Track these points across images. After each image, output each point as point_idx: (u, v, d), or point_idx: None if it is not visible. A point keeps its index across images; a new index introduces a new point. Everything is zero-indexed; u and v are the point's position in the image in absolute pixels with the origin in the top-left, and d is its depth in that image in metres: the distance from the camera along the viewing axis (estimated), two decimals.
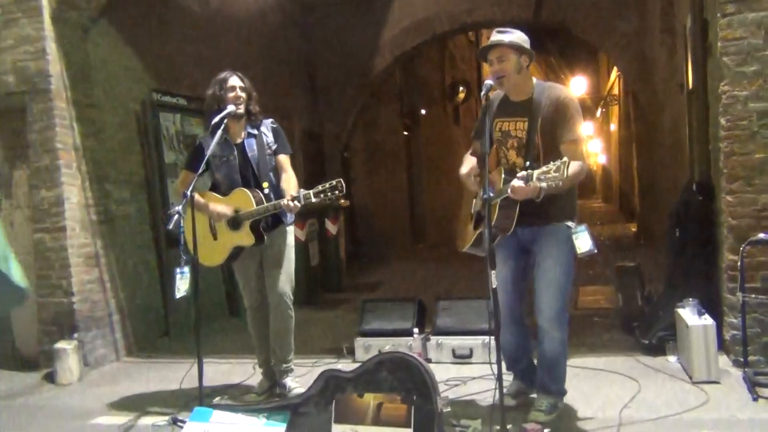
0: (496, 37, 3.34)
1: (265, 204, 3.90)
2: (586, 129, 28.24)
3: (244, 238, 3.97)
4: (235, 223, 3.98)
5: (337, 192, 3.60)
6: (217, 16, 7.52)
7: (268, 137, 4.11)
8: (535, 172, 2.98)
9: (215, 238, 4.07)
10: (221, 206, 4.00)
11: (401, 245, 12.42)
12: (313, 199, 3.68)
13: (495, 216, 3.21)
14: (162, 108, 6.39)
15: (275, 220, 4.06)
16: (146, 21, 6.35)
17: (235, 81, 4.02)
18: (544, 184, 2.97)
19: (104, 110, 5.71)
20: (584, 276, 8.00)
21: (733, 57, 4.09)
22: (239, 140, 4.09)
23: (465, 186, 3.65)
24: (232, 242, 4.02)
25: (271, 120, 4.18)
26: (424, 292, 7.01)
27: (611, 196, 23.29)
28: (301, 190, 3.76)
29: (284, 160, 4.12)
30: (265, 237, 4.01)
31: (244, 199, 3.94)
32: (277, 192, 4.02)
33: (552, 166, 2.92)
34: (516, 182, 3.06)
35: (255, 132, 4.09)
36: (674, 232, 4.98)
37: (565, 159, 2.92)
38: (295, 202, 3.70)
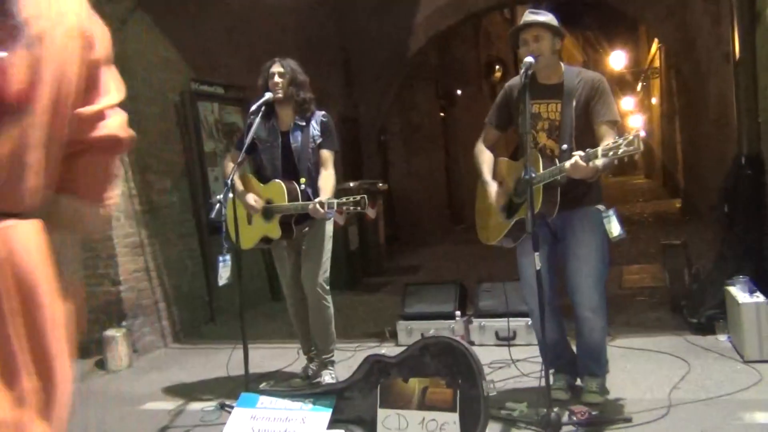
0: (530, 17, 3.28)
1: (296, 202, 3.91)
2: (625, 104, 27.62)
3: (273, 230, 3.99)
4: (267, 213, 4.01)
5: (359, 208, 3.63)
6: (252, 3, 7.52)
7: (316, 130, 4.07)
8: (600, 149, 2.87)
9: (249, 223, 4.12)
10: (254, 198, 4.02)
11: (440, 227, 12.38)
12: (335, 208, 3.72)
13: (539, 201, 3.14)
14: (200, 97, 6.45)
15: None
16: (182, 10, 6.39)
17: (275, 68, 4.01)
18: (600, 161, 2.87)
19: (144, 101, 5.78)
20: (629, 254, 7.87)
21: None
22: (286, 129, 4.09)
23: (482, 182, 3.56)
24: (261, 231, 4.06)
25: (323, 113, 4.13)
26: (464, 274, 6.97)
27: (654, 171, 22.81)
28: (324, 199, 3.76)
29: (327, 155, 4.07)
30: (296, 230, 4.02)
31: (279, 192, 3.95)
32: (315, 187, 4.01)
33: (622, 140, 2.79)
34: (577, 159, 2.91)
35: (303, 123, 4.06)
36: (723, 208, 4.85)
37: (636, 131, 2.80)
38: (320, 209, 3.71)
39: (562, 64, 3.39)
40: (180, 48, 6.30)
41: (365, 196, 3.67)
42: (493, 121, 3.61)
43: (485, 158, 3.58)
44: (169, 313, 5.81)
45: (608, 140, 3.08)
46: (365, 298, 7.11)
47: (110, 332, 5.16)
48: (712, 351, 4.15)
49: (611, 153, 2.82)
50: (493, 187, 3.47)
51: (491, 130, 3.62)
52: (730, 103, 6.27)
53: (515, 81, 3.45)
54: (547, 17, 3.28)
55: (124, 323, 5.28)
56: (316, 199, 3.78)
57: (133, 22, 5.69)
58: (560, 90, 3.31)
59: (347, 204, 3.66)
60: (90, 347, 5.41)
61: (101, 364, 5.18)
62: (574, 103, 3.27)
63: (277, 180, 4.00)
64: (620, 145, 2.79)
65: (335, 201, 3.71)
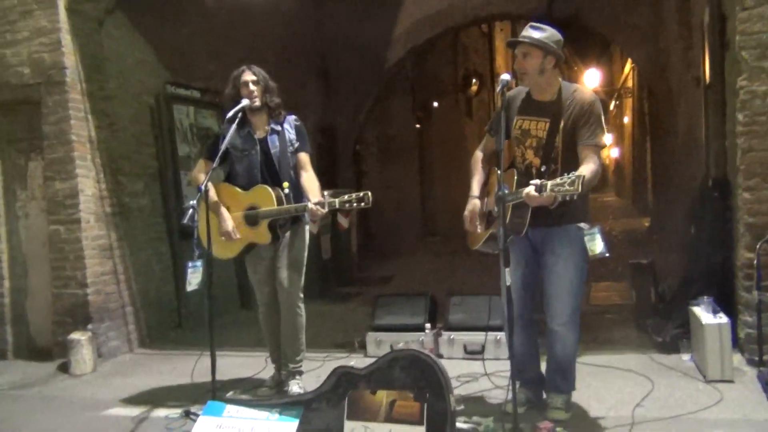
0: (526, 32, 3.27)
1: (287, 205, 3.89)
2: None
3: (261, 236, 3.97)
4: (252, 219, 3.97)
5: (363, 204, 3.58)
6: (231, 8, 7.50)
7: (291, 134, 4.08)
8: (549, 183, 2.91)
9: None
10: (228, 224, 3.96)
11: (413, 238, 12.41)
12: (338, 206, 3.66)
13: (508, 216, 3.17)
14: (176, 100, 6.41)
15: (294, 219, 4.04)
16: (160, 13, 6.35)
17: (247, 76, 4.00)
18: (548, 191, 2.93)
19: (118, 103, 5.73)
20: (597, 272, 7.96)
21: (752, 51, 4.04)
22: (262, 135, 4.07)
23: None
24: (247, 238, 4.02)
25: (294, 117, 4.14)
26: (435, 286, 7.00)
27: (624, 190, 23.15)
28: (326, 195, 3.73)
29: (305, 158, 4.09)
30: (281, 235, 4.01)
31: (266, 197, 3.92)
32: (297, 191, 4.00)
33: (567, 179, 2.85)
34: (529, 190, 2.99)
35: (278, 128, 4.06)
36: (689, 229, 4.95)
37: (580, 173, 2.86)
38: (320, 207, 3.68)
39: (559, 80, 3.37)
40: (157, 50, 6.26)
41: (368, 192, 3.60)
42: (489, 128, 3.66)
43: (476, 171, 3.62)
44: (136, 318, 5.73)
45: (583, 166, 3.13)
46: (336, 308, 7.09)
47: (75, 335, 5.08)
48: (675, 370, 4.22)
49: (557, 188, 2.88)
50: (473, 202, 3.52)
51: (489, 139, 3.64)
52: (699, 126, 6.42)
53: (514, 92, 3.49)
54: (544, 33, 3.26)
55: (89, 327, 5.20)
56: (315, 199, 3.73)
57: (110, 23, 5.65)
58: (551, 109, 3.33)
59: (351, 201, 3.61)
60: (53, 350, 5.33)
61: (64, 368, 5.09)
62: (562, 124, 3.28)
63: (261, 185, 3.97)
64: (564, 183, 2.85)
65: (336, 200, 3.67)
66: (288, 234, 4.04)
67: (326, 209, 3.69)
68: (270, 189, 3.93)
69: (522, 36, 3.27)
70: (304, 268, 4.13)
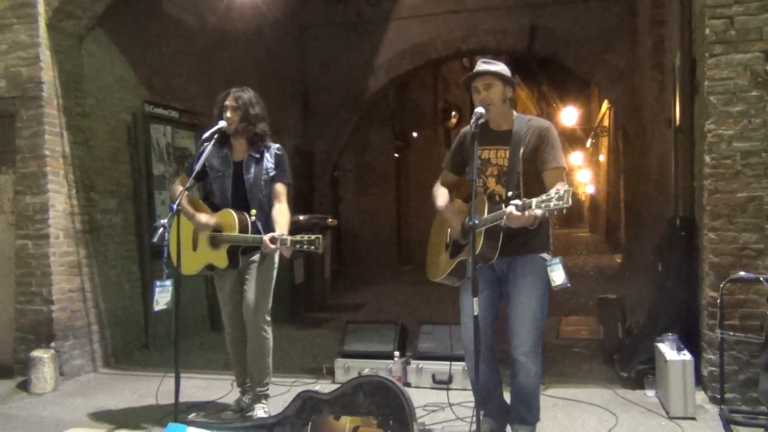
0: (482, 66, 3.38)
1: (246, 235, 3.88)
2: (575, 159, 28.36)
3: (219, 259, 3.95)
4: (215, 241, 3.97)
5: (313, 248, 3.59)
6: (214, 31, 7.58)
7: (270, 163, 4.07)
8: (534, 200, 2.96)
9: (194, 249, 4.06)
10: (206, 217, 3.97)
11: (387, 266, 12.41)
12: (289, 245, 3.68)
13: (479, 244, 3.20)
14: (153, 120, 6.41)
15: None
16: (142, 33, 6.39)
17: (228, 101, 4.02)
18: (539, 212, 2.98)
19: (95, 119, 5.71)
20: (567, 306, 8.03)
21: (720, 96, 4.15)
22: (239, 159, 4.08)
23: (439, 217, 3.64)
24: (206, 259, 4.01)
25: (278, 146, 4.14)
26: (408, 314, 7.01)
27: (598, 226, 23.42)
28: (283, 234, 3.74)
29: (281, 189, 4.08)
30: (242, 260, 3.98)
31: (230, 221, 3.92)
32: (267, 220, 3.99)
33: (553, 194, 2.90)
34: (512, 209, 3.02)
35: (257, 155, 4.06)
36: (657, 266, 5.02)
37: (568, 187, 2.92)
38: (273, 245, 3.70)
39: (513, 112, 3.49)
40: (137, 69, 6.27)
41: (320, 236, 3.63)
42: (448, 165, 3.72)
43: (441, 193, 3.66)
44: (102, 337, 5.65)
45: (553, 187, 3.19)
46: (306, 333, 7.05)
47: (37, 353, 4.98)
48: (639, 405, 4.25)
49: (543, 205, 2.92)
50: (448, 209, 3.52)
51: (447, 174, 3.72)
52: (669, 166, 6.56)
53: (469, 128, 3.55)
54: (498, 66, 3.39)
55: (52, 344, 5.11)
56: (270, 234, 3.75)
57: (91, 40, 5.65)
58: (509, 137, 3.41)
59: (302, 242, 3.63)
60: (14, 368, 5.22)
61: (24, 386, 4.99)
62: (521, 150, 3.36)
63: (228, 209, 3.97)
64: (552, 198, 2.90)
65: (289, 238, 3.69)
66: (254, 259, 4.03)
67: (278, 245, 3.70)
68: (235, 214, 3.93)
69: (481, 69, 3.36)
70: (272, 292, 4.11)
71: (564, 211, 2.92)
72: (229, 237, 3.90)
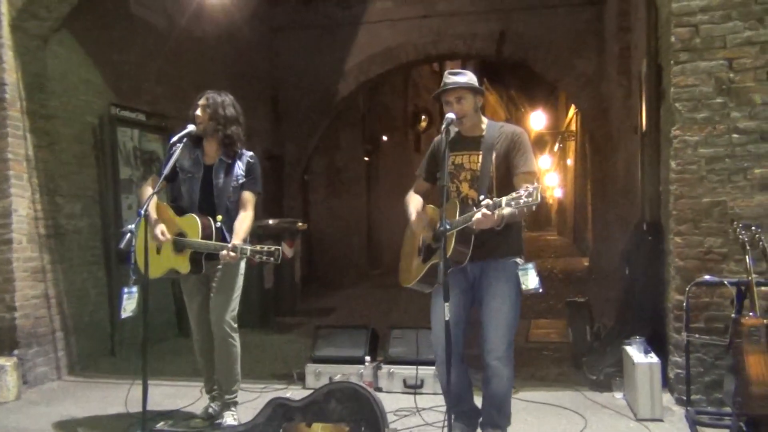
0: (451, 78, 3.41)
1: (208, 242, 3.83)
2: (543, 162, 28.67)
3: (182, 264, 3.90)
4: (178, 246, 3.91)
5: (272, 259, 3.57)
6: (183, 33, 7.49)
7: (240, 170, 4.02)
8: (504, 199, 2.99)
9: (158, 253, 3.99)
10: (161, 230, 3.88)
11: (357, 270, 12.39)
12: (248, 255, 3.66)
13: (450, 248, 3.22)
14: (120, 122, 6.30)
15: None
16: (108, 34, 6.28)
17: (200, 100, 3.99)
18: (507, 211, 3.00)
19: (60, 122, 5.60)
20: (537, 309, 8.10)
21: (685, 103, 4.23)
22: (210, 162, 4.04)
23: (411, 224, 3.62)
24: (170, 263, 3.95)
25: (251, 154, 4.10)
26: (378, 318, 6.99)
27: (566, 229, 23.72)
28: (240, 243, 3.71)
29: (249, 197, 4.03)
30: (206, 266, 3.93)
31: (193, 227, 3.87)
32: (232, 227, 3.95)
33: (523, 192, 2.94)
34: (483, 212, 3.03)
35: (229, 161, 4.02)
36: (624, 270, 5.10)
37: (537, 185, 2.96)
38: (232, 253, 3.67)
39: (484, 118, 3.52)
40: (103, 71, 6.17)
41: (279, 248, 3.60)
42: (422, 173, 3.74)
43: (413, 200, 3.67)
44: (67, 344, 5.53)
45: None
46: (276, 338, 6.99)
47: None
48: (608, 408, 4.30)
49: (513, 203, 2.95)
50: (419, 217, 3.51)
51: (421, 182, 3.75)
52: (636, 171, 6.66)
53: (442, 133, 3.56)
54: (466, 77, 3.42)
55: (15, 352, 4.99)
56: (229, 244, 3.71)
57: (55, 41, 5.54)
58: (482, 142, 3.44)
59: (260, 253, 3.59)
60: None
61: None
62: (494, 155, 3.40)
63: (192, 214, 3.92)
64: (521, 196, 2.94)
65: (248, 248, 3.65)
66: (220, 265, 3.97)
67: (239, 255, 3.67)
68: (198, 220, 3.87)
69: (451, 83, 3.39)
70: (238, 298, 4.06)
71: (534, 208, 2.97)
72: (191, 242, 3.85)
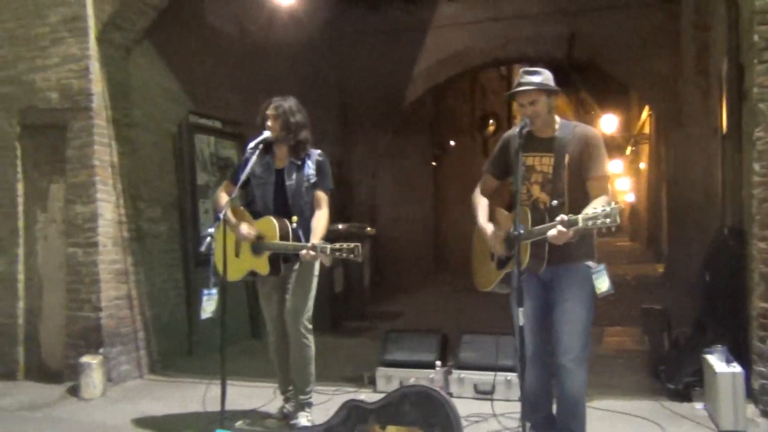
0: (525, 78, 3.33)
1: (287, 242, 3.91)
2: (614, 166, 28.00)
3: (261, 266, 3.99)
4: (256, 248, 4.01)
5: (352, 256, 3.63)
6: (254, 42, 7.69)
7: (311, 169, 4.10)
8: (581, 217, 2.95)
9: (237, 256, 4.11)
10: (247, 227, 4.01)
11: (425, 275, 12.40)
12: (328, 253, 3.71)
13: (527, 257, 3.18)
14: (198, 130, 6.52)
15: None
16: (186, 44, 6.51)
17: (269, 110, 4.08)
18: (582, 225, 2.95)
19: (142, 130, 5.84)
20: (610, 316, 7.91)
21: None
22: (281, 166, 4.13)
23: (484, 236, 3.59)
24: (249, 265, 4.05)
25: (319, 152, 4.16)
26: (446, 322, 6.96)
27: (639, 235, 23.04)
28: (320, 242, 3.77)
29: (321, 196, 4.10)
30: (283, 268, 4.02)
31: (270, 229, 3.95)
32: (308, 227, 4.03)
33: (600, 210, 2.88)
34: (559, 229, 3.00)
35: (298, 162, 4.11)
36: (704, 276, 4.93)
37: (615, 204, 2.90)
38: (312, 252, 3.73)
39: (557, 118, 3.44)
40: (181, 80, 6.40)
41: (359, 244, 3.65)
42: (490, 169, 3.68)
43: (481, 203, 3.63)
44: (147, 343, 5.75)
45: (596, 199, 3.17)
46: (346, 342, 7.07)
47: (86, 359, 5.10)
48: (687, 418, 4.16)
49: (590, 222, 2.90)
50: (489, 229, 3.49)
51: (489, 179, 3.69)
52: (716, 174, 6.43)
53: (512, 132, 3.51)
54: (541, 76, 3.34)
55: (101, 350, 5.22)
56: (308, 243, 3.79)
57: (137, 52, 5.78)
58: (554, 144, 3.37)
59: (342, 250, 3.65)
60: (64, 373, 5.34)
61: (74, 391, 5.10)
62: (567, 158, 3.33)
63: (268, 217, 4.02)
64: (599, 216, 2.88)
65: (328, 246, 3.71)
66: (296, 267, 4.06)
67: (318, 254, 3.73)
68: (275, 221, 3.95)
69: (525, 83, 3.32)
70: (313, 300, 4.13)
71: (612, 229, 2.89)
72: (270, 244, 3.94)
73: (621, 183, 28.21)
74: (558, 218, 3.04)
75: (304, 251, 3.76)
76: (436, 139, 13.44)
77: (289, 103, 4.12)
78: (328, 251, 3.70)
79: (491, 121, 15.58)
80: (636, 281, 12.15)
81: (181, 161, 6.33)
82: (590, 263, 3.34)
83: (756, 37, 4.08)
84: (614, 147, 27.30)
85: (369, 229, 8.71)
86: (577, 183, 3.33)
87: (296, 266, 4.05)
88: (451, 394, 4.73)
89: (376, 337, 6.29)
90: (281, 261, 4.01)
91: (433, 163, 13.53)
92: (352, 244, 3.65)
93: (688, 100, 8.97)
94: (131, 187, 5.65)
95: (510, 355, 4.50)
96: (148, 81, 5.96)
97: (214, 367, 3.87)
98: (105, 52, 5.41)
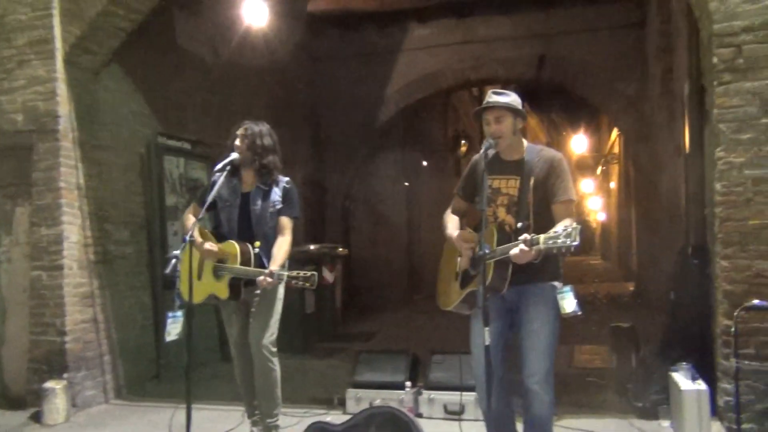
0: (493, 98, 3.38)
1: (246, 268, 3.89)
2: (586, 186, 28.21)
3: (221, 289, 3.97)
4: (217, 272, 3.99)
5: (308, 285, 3.66)
6: (227, 64, 7.70)
7: (277, 196, 4.09)
8: (542, 237, 2.97)
9: (199, 278, 4.07)
10: (210, 244, 3.98)
11: (398, 295, 12.38)
12: (285, 280, 3.73)
13: (489, 275, 3.20)
14: (166, 151, 6.49)
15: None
16: (157, 66, 6.50)
17: (239, 130, 4.09)
18: (544, 246, 2.98)
19: (109, 151, 5.80)
20: (581, 334, 7.95)
21: (729, 124, 4.16)
22: (247, 190, 4.12)
23: (448, 244, 3.62)
24: (209, 289, 4.02)
25: (287, 180, 4.16)
26: (419, 343, 6.96)
27: (610, 253, 23.28)
28: (278, 269, 3.77)
29: (286, 222, 4.09)
30: (244, 292, 3.99)
31: (232, 253, 3.94)
32: (270, 253, 4.01)
33: (561, 231, 2.91)
34: (521, 248, 3.03)
35: (265, 187, 4.09)
36: (670, 295, 4.99)
37: (576, 225, 2.93)
38: (269, 279, 3.73)
39: (524, 142, 3.49)
40: (151, 102, 6.37)
41: (315, 273, 3.66)
42: (460, 191, 3.71)
43: (452, 218, 3.66)
44: (114, 367, 5.66)
45: (561, 221, 3.20)
46: (317, 363, 7.02)
47: (50, 384, 5.00)
48: None
49: (551, 242, 2.93)
50: (459, 237, 3.49)
51: (458, 200, 3.72)
52: (680, 193, 6.55)
53: (480, 155, 3.55)
54: (509, 98, 3.39)
55: (65, 375, 5.13)
56: (266, 270, 3.78)
57: (106, 74, 5.76)
58: (520, 167, 3.41)
59: (298, 279, 3.66)
60: (27, 399, 5.23)
61: (37, 417, 4.99)
62: (532, 181, 3.36)
63: (231, 240, 4.00)
64: (560, 235, 2.91)
65: (285, 273, 3.71)
66: (259, 291, 4.00)
67: (275, 280, 3.73)
68: (237, 246, 3.94)
69: (492, 101, 3.37)
70: (277, 323, 4.10)
71: (572, 250, 2.92)
72: (230, 269, 3.93)
73: (592, 202, 28.58)
74: (521, 237, 3.06)
75: (261, 278, 3.75)
76: (409, 160, 13.51)
77: (260, 127, 4.12)
78: (285, 278, 3.71)
79: (463, 141, 15.72)
80: (607, 299, 12.26)
81: (149, 183, 6.28)
82: (556, 284, 3.36)
83: (715, 60, 4.18)
84: (585, 167, 27.68)
85: (341, 249, 8.70)
86: (543, 206, 3.36)
87: (259, 290, 4.03)
88: (420, 415, 4.73)
89: (348, 358, 6.27)
90: (242, 285, 3.98)
91: (406, 184, 13.58)
92: (308, 273, 3.66)
93: (653, 121, 9.15)
94: (99, 209, 5.59)
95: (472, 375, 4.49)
96: (116, 103, 5.93)
97: (181, 390, 3.81)
98: (72, 74, 5.38)
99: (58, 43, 5.30)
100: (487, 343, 3.03)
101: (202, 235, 4.10)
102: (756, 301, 3.99)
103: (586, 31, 9.92)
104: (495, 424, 3.43)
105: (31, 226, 5.36)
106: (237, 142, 4.05)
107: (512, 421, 3.60)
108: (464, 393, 4.65)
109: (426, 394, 4.81)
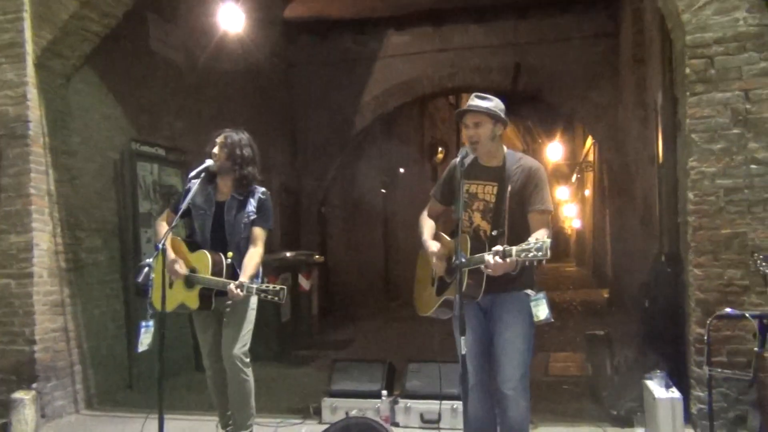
0: (474, 101, 3.37)
1: (217, 278, 3.84)
2: (561, 193, 28.45)
3: (191, 300, 3.92)
4: (189, 282, 3.94)
5: (276, 299, 3.61)
6: (202, 69, 7.63)
7: (252, 206, 4.04)
8: (514, 249, 2.97)
9: (170, 287, 4.00)
10: (179, 265, 3.93)
11: (375, 302, 12.37)
12: (254, 293, 3.70)
13: (464, 283, 3.19)
14: (140, 157, 6.39)
15: None
16: (130, 71, 6.41)
17: (219, 138, 4.03)
18: (515, 257, 2.98)
19: (81, 157, 5.70)
20: (557, 341, 8.01)
21: (701, 134, 4.22)
22: (222, 199, 4.07)
23: (423, 249, 3.60)
24: (180, 298, 3.97)
25: (263, 191, 4.12)
26: (396, 351, 6.94)
27: (585, 260, 23.50)
28: (248, 281, 3.75)
29: (259, 233, 4.04)
30: (215, 302, 3.94)
31: (204, 263, 3.89)
32: (242, 264, 3.97)
33: (532, 244, 2.92)
34: (496, 260, 3.03)
35: (241, 197, 4.05)
36: (644, 303, 5.03)
37: (546, 239, 2.94)
38: (238, 290, 3.69)
39: (504, 148, 3.48)
40: (124, 107, 6.29)
41: (285, 287, 3.62)
42: (437, 195, 3.70)
43: (427, 223, 3.64)
44: (85, 377, 5.55)
45: (536, 232, 3.20)
46: (293, 372, 6.96)
47: (18, 395, 4.87)
48: None
49: (523, 254, 2.94)
50: (433, 247, 3.47)
51: (434, 203, 3.71)
52: (654, 202, 6.62)
53: (457, 161, 3.54)
54: (491, 103, 3.38)
55: (34, 385, 5.01)
56: (235, 282, 3.73)
57: (78, 79, 5.66)
58: (498, 174, 3.41)
59: (267, 292, 3.63)
60: None
61: (4, 429, 4.87)
62: (509, 188, 3.36)
63: (204, 250, 3.95)
64: (531, 248, 2.93)
65: (254, 286, 3.68)
66: (230, 301, 3.94)
67: (244, 293, 3.70)
68: (209, 256, 3.90)
69: (472, 105, 3.37)
70: (250, 333, 4.06)
71: (543, 263, 2.94)
72: (201, 279, 3.88)
73: (567, 209, 28.84)
74: (494, 248, 3.07)
75: (230, 286, 3.71)
76: (386, 167, 13.53)
77: (240, 136, 4.08)
78: (254, 291, 3.67)
79: (440, 149, 15.80)
80: (582, 306, 12.35)
81: (122, 189, 6.19)
82: (529, 291, 3.37)
83: (688, 71, 4.25)
84: (560, 174, 27.95)
85: (317, 256, 8.66)
86: (519, 214, 3.36)
87: (230, 300, 3.98)
88: (397, 424, 4.70)
89: (324, 366, 6.22)
90: (213, 296, 3.93)
91: (383, 191, 13.58)
92: (278, 287, 3.62)
93: (627, 130, 9.26)
94: (70, 216, 5.49)
95: (455, 383, 4.48)
96: (89, 108, 5.83)
97: (154, 400, 3.74)
98: (43, 79, 5.28)
99: (29, 47, 5.20)
100: (463, 352, 3.02)
101: (175, 244, 4.05)
102: (728, 310, 4.03)
103: (560, 40, 10.04)
104: (474, 429, 3.41)
105: None
106: (215, 149, 4.00)
107: (494, 428, 3.59)
108: (441, 401, 4.63)
109: (402, 402, 4.79)
